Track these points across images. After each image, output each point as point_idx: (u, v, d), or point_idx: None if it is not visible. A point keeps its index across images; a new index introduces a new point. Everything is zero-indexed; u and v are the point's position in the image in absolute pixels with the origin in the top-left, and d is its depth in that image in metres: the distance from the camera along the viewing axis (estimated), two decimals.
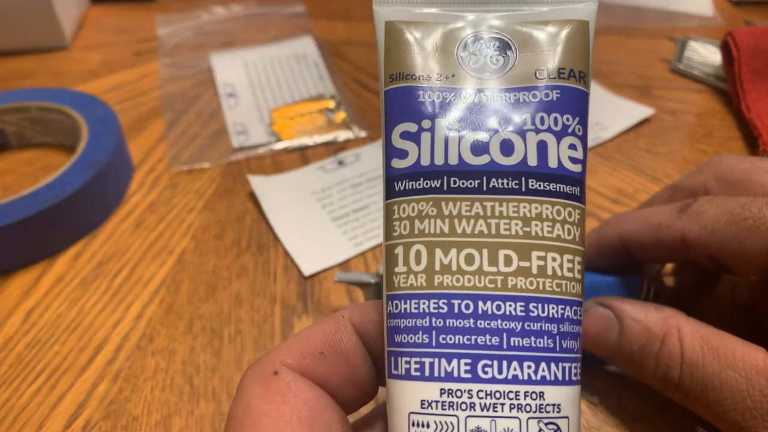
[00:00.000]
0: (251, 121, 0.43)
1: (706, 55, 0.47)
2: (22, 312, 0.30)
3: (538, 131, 0.15)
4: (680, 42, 0.48)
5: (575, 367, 0.15)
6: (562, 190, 0.15)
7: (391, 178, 0.16)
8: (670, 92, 0.45)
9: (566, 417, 0.14)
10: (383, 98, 0.16)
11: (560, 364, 0.14)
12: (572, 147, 0.15)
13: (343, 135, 0.41)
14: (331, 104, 0.44)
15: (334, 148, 0.41)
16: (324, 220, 0.35)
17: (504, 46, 0.16)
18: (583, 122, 0.16)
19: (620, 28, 0.55)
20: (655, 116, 0.42)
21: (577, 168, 0.15)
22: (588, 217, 0.34)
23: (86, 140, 0.36)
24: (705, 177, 0.24)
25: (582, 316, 0.15)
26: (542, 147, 0.15)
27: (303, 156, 0.40)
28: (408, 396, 0.15)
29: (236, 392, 0.15)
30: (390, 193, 0.16)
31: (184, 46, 0.54)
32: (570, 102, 0.15)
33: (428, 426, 0.14)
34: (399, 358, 0.15)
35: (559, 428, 0.14)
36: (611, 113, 0.42)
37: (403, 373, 0.15)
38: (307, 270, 0.32)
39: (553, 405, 0.14)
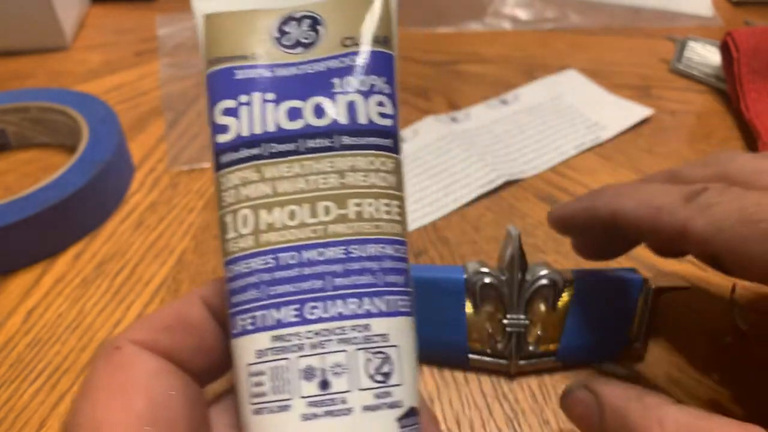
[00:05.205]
0: None
1: (706, 55, 0.47)
2: (22, 312, 0.30)
3: (346, 93, 0.17)
4: (680, 42, 0.48)
5: (402, 300, 0.16)
6: (373, 143, 0.16)
7: (216, 152, 0.17)
8: (669, 92, 0.45)
9: (395, 345, 0.16)
10: (205, 83, 0.17)
11: (384, 297, 0.16)
12: (380, 104, 0.17)
13: None
14: None
15: None
16: None
17: (314, 23, 0.17)
18: (390, 81, 0.17)
19: (620, 28, 0.55)
20: (654, 116, 0.42)
21: (387, 122, 0.17)
22: None
23: (86, 140, 0.36)
24: (710, 172, 0.22)
25: (406, 253, 0.17)
26: (351, 106, 0.16)
27: None
28: (245, 350, 0.16)
29: None
30: (217, 166, 0.17)
31: (184, 46, 0.54)
32: (375, 64, 0.17)
33: (264, 373, 0.15)
34: (236, 318, 0.16)
35: (388, 356, 0.15)
36: (611, 113, 0.42)
37: (240, 330, 0.16)
38: None
39: (380, 335, 0.15)
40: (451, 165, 0.38)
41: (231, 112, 0.17)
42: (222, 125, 0.17)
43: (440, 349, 0.26)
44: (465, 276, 0.25)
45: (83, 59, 0.52)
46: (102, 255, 0.33)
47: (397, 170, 0.17)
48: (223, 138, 0.17)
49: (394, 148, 0.17)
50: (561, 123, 0.42)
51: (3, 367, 0.27)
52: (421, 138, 0.40)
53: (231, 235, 0.16)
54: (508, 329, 0.25)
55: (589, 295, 0.25)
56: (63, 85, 0.48)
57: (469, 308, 0.25)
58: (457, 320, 0.25)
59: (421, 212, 0.35)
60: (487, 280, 0.25)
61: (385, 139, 0.17)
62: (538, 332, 0.25)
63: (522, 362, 0.25)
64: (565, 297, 0.25)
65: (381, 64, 0.17)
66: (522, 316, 0.25)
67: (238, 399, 0.16)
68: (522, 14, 0.57)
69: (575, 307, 0.25)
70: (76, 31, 0.56)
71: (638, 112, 0.42)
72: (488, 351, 0.25)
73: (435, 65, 0.50)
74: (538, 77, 0.47)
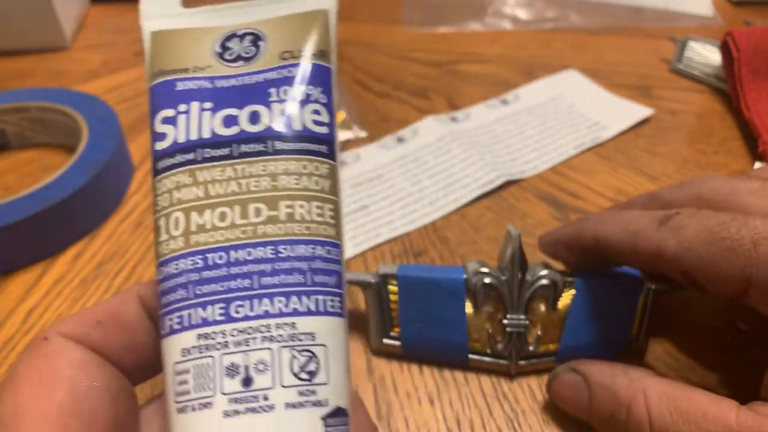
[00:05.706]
0: None
1: (706, 55, 0.47)
2: (22, 312, 0.30)
3: (282, 101, 0.17)
4: (680, 42, 0.48)
5: (332, 300, 0.16)
6: (307, 148, 0.17)
7: (155, 159, 0.17)
8: (670, 92, 0.45)
9: (323, 345, 0.16)
10: (149, 95, 0.18)
11: (312, 297, 0.16)
12: (316, 112, 0.17)
13: (343, 135, 0.41)
14: None
15: None
16: None
17: (256, 39, 0.18)
18: (327, 91, 0.18)
19: (620, 28, 0.55)
20: (654, 116, 0.42)
21: (322, 129, 0.17)
22: None
23: (86, 140, 0.36)
24: (686, 194, 0.24)
25: (340, 255, 0.17)
26: (286, 114, 0.17)
27: None
28: (172, 349, 0.16)
29: None
30: (155, 173, 0.17)
31: None
32: (312, 75, 0.18)
33: (188, 371, 0.15)
34: (164, 318, 0.16)
35: (314, 354, 0.15)
36: (611, 113, 0.42)
37: (168, 330, 0.16)
38: None
39: (307, 333, 0.15)
40: (451, 165, 0.38)
41: (169, 121, 0.17)
42: (161, 133, 0.17)
43: (440, 349, 0.26)
44: (465, 276, 0.25)
45: (83, 59, 0.52)
46: (102, 255, 0.33)
47: (332, 175, 0.17)
48: (160, 145, 0.17)
49: (329, 155, 0.17)
50: (561, 123, 0.42)
51: (3, 367, 0.27)
52: (421, 138, 0.40)
53: (163, 237, 0.16)
54: (508, 329, 0.25)
55: (590, 295, 0.25)
56: (63, 85, 0.48)
57: (469, 308, 0.25)
58: (457, 320, 0.25)
59: (421, 212, 0.35)
60: (487, 280, 0.25)
61: (319, 145, 0.17)
62: (538, 332, 0.25)
63: (522, 362, 0.25)
64: (565, 297, 0.25)
65: (318, 76, 0.18)
66: (522, 316, 0.25)
67: (165, 399, 0.16)
68: (522, 14, 0.57)
69: (575, 307, 0.25)
70: (76, 31, 0.56)
71: (638, 112, 0.42)
72: (488, 351, 0.25)
73: (435, 65, 0.50)
74: (539, 77, 0.47)
